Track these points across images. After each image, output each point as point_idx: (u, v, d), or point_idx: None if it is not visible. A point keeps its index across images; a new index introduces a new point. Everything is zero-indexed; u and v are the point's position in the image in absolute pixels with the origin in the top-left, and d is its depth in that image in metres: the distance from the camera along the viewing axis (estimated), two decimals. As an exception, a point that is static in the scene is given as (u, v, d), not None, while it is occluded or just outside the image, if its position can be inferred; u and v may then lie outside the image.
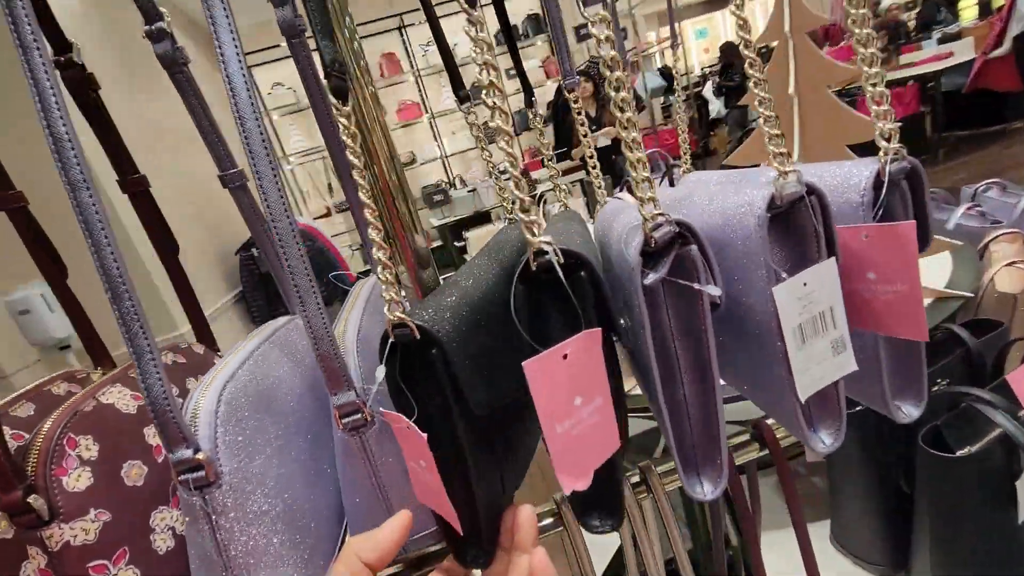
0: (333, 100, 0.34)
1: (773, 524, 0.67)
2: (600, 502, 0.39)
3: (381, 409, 0.36)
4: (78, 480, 0.37)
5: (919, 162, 0.36)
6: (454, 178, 4.88)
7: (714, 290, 0.33)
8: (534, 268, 0.31)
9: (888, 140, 0.35)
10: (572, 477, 0.32)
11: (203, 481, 0.33)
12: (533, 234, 0.31)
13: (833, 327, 0.36)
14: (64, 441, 0.38)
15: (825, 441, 0.39)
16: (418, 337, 0.32)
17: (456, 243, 4.09)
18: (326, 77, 0.36)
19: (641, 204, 0.32)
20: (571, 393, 0.31)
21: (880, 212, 0.36)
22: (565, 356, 0.30)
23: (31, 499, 0.35)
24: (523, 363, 0.30)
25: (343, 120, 0.34)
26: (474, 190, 4.23)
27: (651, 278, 0.32)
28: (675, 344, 0.37)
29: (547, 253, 0.31)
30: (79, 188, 0.30)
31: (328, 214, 4.64)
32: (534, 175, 4.04)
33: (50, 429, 0.38)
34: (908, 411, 0.41)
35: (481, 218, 4.11)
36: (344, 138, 0.34)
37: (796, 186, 0.33)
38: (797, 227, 0.36)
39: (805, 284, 0.34)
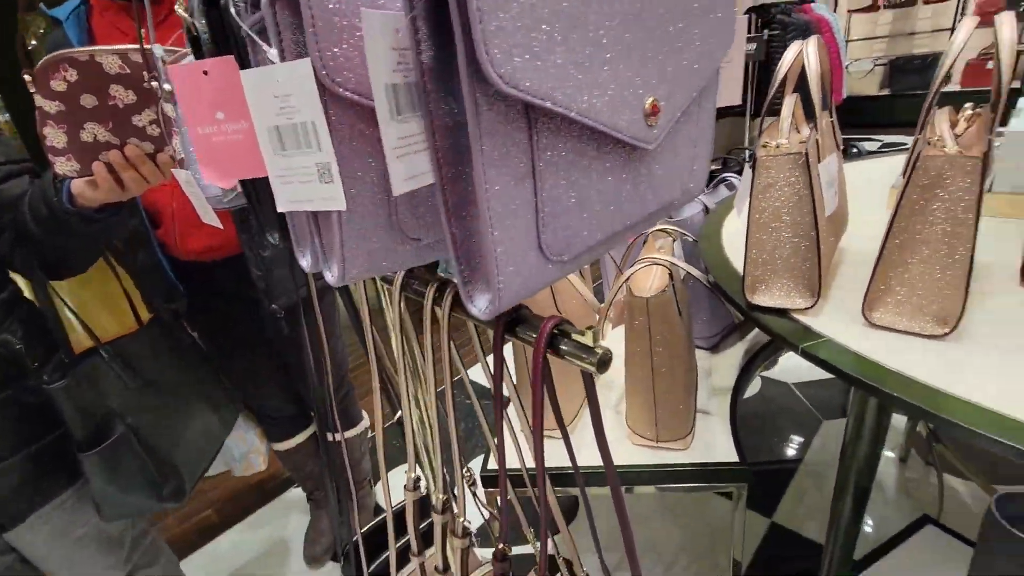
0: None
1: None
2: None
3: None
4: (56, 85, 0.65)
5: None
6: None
7: (274, 56, 0.31)
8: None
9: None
10: (214, 175, 0.39)
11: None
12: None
13: (318, 148, 0.32)
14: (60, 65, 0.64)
15: (479, 305, 0.32)
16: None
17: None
18: None
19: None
20: (212, 107, 0.37)
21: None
22: (206, 72, 0.36)
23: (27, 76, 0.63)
24: (168, 65, 0.34)
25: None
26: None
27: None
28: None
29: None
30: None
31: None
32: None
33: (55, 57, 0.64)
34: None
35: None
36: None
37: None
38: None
39: (279, 81, 0.31)
